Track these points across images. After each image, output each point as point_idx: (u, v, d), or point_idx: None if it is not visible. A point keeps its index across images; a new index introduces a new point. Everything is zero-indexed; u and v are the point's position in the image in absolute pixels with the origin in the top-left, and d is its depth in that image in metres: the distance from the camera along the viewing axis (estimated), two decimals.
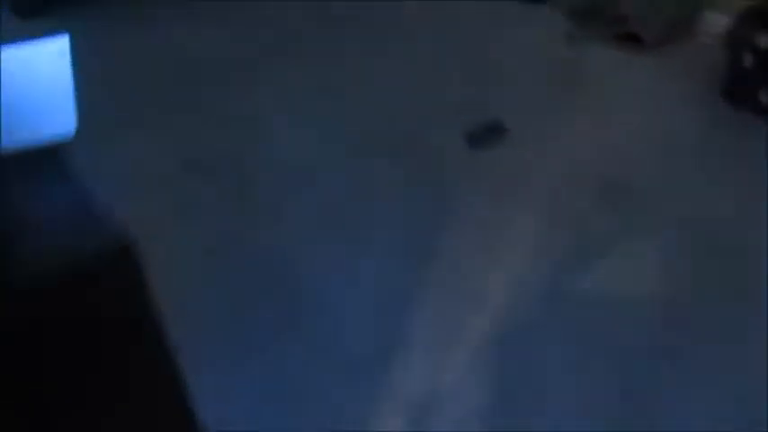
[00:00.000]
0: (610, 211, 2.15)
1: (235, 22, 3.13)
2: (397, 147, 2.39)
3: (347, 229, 2.08)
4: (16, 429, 0.82)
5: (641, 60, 2.87)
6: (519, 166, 2.31)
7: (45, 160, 0.91)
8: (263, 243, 2.03)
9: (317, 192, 2.21)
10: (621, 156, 2.39)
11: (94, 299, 0.83)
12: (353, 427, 1.59)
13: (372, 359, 1.74)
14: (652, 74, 2.81)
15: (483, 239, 2.06)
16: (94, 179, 0.93)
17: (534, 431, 1.61)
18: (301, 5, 3.28)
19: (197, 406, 0.99)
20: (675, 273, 1.98)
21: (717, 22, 2.85)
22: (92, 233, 0.84)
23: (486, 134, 2.42)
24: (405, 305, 1.86)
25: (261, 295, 1.89)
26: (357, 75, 2.78)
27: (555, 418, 1.62)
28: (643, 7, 2.99)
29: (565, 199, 2.19)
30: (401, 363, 1.73)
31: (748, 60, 2.44)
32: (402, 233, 2.06)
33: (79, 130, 0.96)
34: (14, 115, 0.89)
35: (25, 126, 0.90)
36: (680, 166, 2.34)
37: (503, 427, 1.60)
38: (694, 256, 2.02)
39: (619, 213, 2.15)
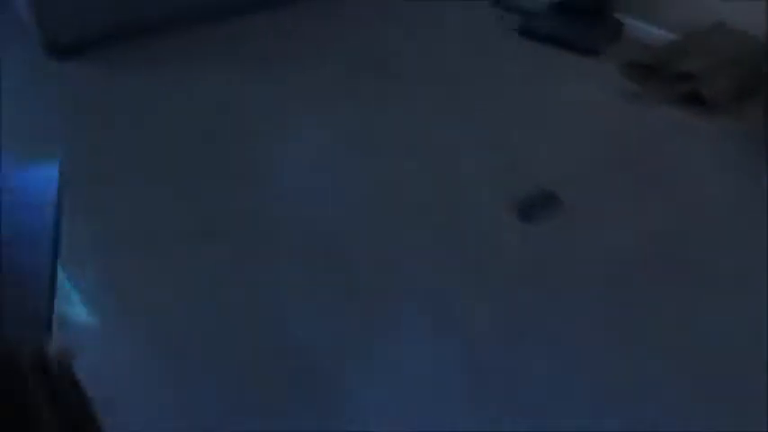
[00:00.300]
0: (680, 297, 1.92)
1: (275, 69, 3.01)
2: (439, 216, 2.19)
3: (374, 307, 1.88)
4: None
5: (706, 124, 2.65)
6: (574, 243, 2.10)
7: None
8: (284, 320, 1.84)
9: (344, 263, 2.01)
10: (685, 233, 2.16)
11: None
12: None
13: None
14: (718, 140, 2.58)
15: (530, 329, 1.84)
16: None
17: None
18: (348, 56, 3.15)
19: None
20: None
21: None
22: None
23: (539, 206, 2.21)
24: (441, 392, 1.65)
25: (278, 383, 1.70)
26: (397, 131, 2.60)
27: None
28: (710, 66, 2.77)
29: (625, 285, 1.97)
30: None
31: None
32: (434, 316, 1.86)
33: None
34: None
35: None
36: (750, 244, 2.11)
37: None
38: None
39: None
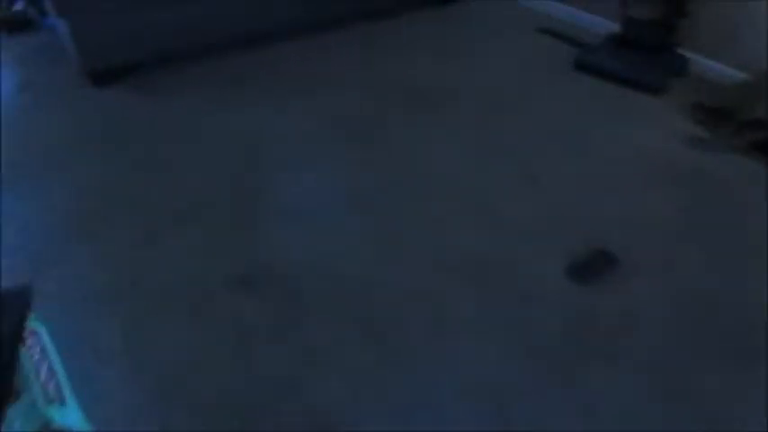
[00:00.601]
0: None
1: (307, 98, 2.88)
2: (481, 273, 2.00)
3: (411, 376, 1.70)
4: None
5: None
6: (632, 310, 1.88)
7: None
8: (312, 390, 1.68)
9: (376, 319, 1.84)
10: (758, 293, 1.92)
11: None
12: None
13: None
14: None
15: (569, 396, 1.63)
16: None
17: None
18: (385, 84, 3.01)
19: None
20: None
21: None
22: None
23: (592, 265, 2.01)
24: None
25: None
26: (436, 170, 2.42)
27: None
28: None
29: (691, 367, 1.75)
30: None
31: None
32: (476, 399, 1.67)
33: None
34: None
35: None
36: None
37: None
38: None
39: None
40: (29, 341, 1.43)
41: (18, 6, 3.66)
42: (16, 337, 1.35)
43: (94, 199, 2.30)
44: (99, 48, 2.87)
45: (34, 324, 1.50)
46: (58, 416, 1.25)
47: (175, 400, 1.61)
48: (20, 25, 3.57)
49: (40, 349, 1.47)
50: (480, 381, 1.67)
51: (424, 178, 2.40)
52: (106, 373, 1.67)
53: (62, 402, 1.33)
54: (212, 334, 1.79)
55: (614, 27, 3.29)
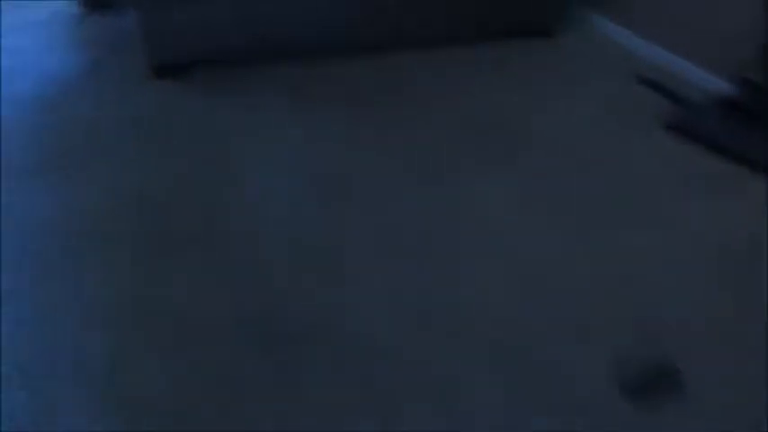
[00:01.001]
0: None
1: (370, 123, 2.69)
2: (513, 362, 1.74)
3: None
4: None
5: None
6: None
7: None
8: None
9: (379, 403, 1.64)
10: None
11: None
12: None
13: None
14: None
15: None
16: None
17: None
18: (459, 118, 2.78)
19: None
20: None
21: None
22: None
23: (653, 380, 1.71)
24: None
25: None
26: (490, 228, 2.17)
27: None
28: None
29: None
30: None
31: None
32: None
33: None
34: None
35: None
36: None
37: None
38: None
39: None
40: None
41: None
42: None
43: (115, 200, 2.20)
44: (166, 42, 2.79)
45: None
46: None
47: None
48: (101, 3, 3.56)
49: None
50: None
51: (475, 230, 2.16)
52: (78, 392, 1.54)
53: None
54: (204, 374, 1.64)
55: (725, 87, 2.92)
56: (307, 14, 2.93)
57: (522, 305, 1.91)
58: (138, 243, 2.05)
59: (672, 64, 3.26)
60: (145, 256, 2.01)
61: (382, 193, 2.33)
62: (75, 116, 2.66)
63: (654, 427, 1.60)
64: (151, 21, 2.69)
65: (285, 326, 1.80)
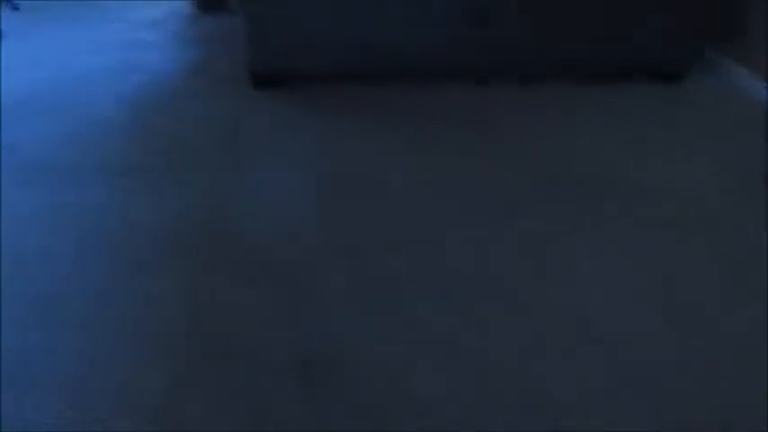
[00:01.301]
0: None
1: (456, 160, 2.54)
2: None
3: None
4: None
5: None
6: None
7: None
8: None
9: None
10: None
11: None
12: None
13: None
14: None
15: None
16: None
17: None
18: (549, 164, 2.57)
19: None
20: None
21: None
22: None
23: None
24: None
25: None
26: (568, 288, 1.96)
27: None
28: None
29: None
30: None
31: None
32: None
33: None
34: None
35: None
36: None
37: None
38: None
39: None
40: None
41: None
42: None
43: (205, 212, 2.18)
44: (269, 52, 2.78)
45: None
46: None
47: None
48: (214, 4, 3.63)
49: None
50: None
51: (544, 306, 1.96)
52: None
53: None
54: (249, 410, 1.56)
55: None
56: (416, 38, 2.83)
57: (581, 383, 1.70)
58: (206, 261, 2.02)
59: None
60: (212, 279, 1.97)
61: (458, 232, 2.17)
62: (175, 117, 2.69)
63: None
64: (258, 28, 2.68)
65: (350, 373, 1.70)
